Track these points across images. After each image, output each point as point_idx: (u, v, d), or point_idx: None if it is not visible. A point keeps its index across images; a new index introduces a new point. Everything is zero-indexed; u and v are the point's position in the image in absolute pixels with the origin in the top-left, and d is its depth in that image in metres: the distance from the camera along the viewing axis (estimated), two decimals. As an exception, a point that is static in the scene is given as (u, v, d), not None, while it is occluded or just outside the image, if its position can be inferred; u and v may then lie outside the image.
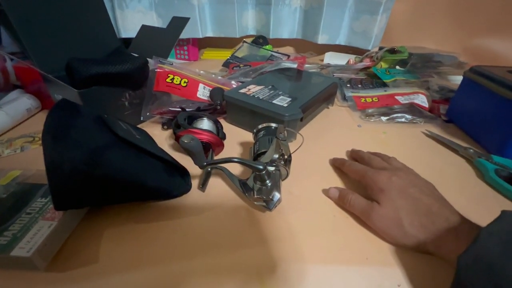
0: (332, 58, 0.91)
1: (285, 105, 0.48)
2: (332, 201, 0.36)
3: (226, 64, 0.82)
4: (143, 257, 0.28)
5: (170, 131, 0.51)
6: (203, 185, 0.37)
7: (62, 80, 0.45)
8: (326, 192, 0.37)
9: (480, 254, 0.21)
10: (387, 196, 0.30)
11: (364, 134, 0.53)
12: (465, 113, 0.53)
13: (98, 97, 0.46)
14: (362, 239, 0.31)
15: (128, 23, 0.85)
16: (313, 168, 0.42)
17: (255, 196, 0.32)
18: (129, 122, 0.43)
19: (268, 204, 0.32)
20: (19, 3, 0.45)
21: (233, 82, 0.62)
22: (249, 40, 0.98)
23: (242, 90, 0.53)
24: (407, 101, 0.59)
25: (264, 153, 0.37)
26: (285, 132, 0.41)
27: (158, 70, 0.52)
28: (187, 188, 0.37)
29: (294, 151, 0.39)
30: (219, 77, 0.62)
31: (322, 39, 0.94)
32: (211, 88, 0.55)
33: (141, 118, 0.52)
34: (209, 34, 0.99)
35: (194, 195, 0.36)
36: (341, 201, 0.34)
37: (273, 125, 0.41)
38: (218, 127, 0.47)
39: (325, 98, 0.59)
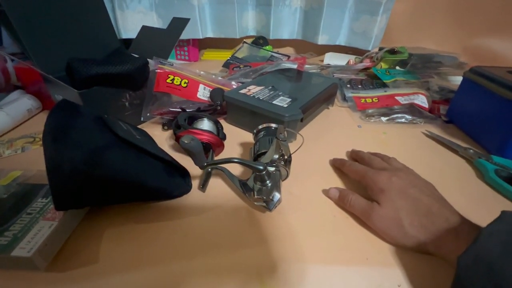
0: (332, 59, 0.91)
1: (285, 105, 0.48)
2: (332, 201, 0.36)
3: (226, 65, 0.82)
4: (143, 257, 0.28)
5: (170, 132, 0.51)
6: (203, 186, 0.37)
7: (63, 80, 0.45)
8: (326, 192, 0.37)
9: (480, 254, 0.21)
10: (387, 196, 0.30)
11: (364, 134, 0.53)
12: (465, 114, 0.53)
13: (99, 98, 0.46)
14: (362, 239, 0.31)
15: (129, 23, 0.85)
16: (313, 168, 0.42)
17: (255, 197, 0.33)
18: (130, 122, 0.43)
19: (268, 205, 0.33)
20: (19, 4, 0.45)
21: (233, 82, 0.62)
22: (249, 40, 0.98)
23: (242, 91, 0.53)
24: (407, 102, 0.59)
25: (264, 153, 0.37)
26: (285, 132, 0.41)
27: (159, 70, 0.52)
28: (187, 188, 0.37)
29: (294, 151, 0.39)
30: (219, 78, 0.62)
31: (322, 40, 0.94)
32: (211, 89, 0.56)
33: (142, 119, 0.52)
34: (209, 34, 0.99)
35: (194, 195, 0.37)
36: (341, 202, 0.35)
37: (273, 125, 0.42)
38: (218, 127, 0.47)
39: (325, 98, 0.59)
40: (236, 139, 0.49)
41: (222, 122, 0.53)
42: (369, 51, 0.86)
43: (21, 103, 0.54)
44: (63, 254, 0.28)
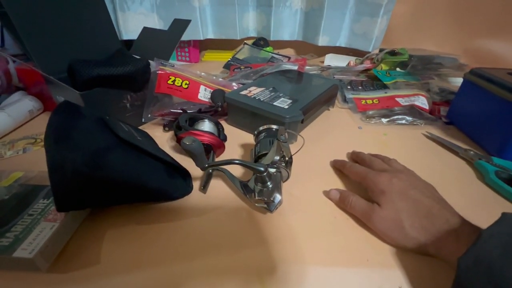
0: (332, 60, 0.91)
1: (286, 107, 0.48)
2: (332, 202, 0.36)
3: (227, 66, 0.82)
4: (145, 258, 0.28)
5: (171, 133, 0.51)
6: (204, 187, 0.37)
7: (64, 82, 0.45)
8: (327, 193, 0.37)
9: (480, 256, 0.21)
10: (388, 198, 0.30)
11: (365, 136, 0.53)
12: (465, 115, 0.53)
13: (100, 99, 0.46)
14: (362, 240, 0.31)
15: (130, 25, 0.86)
16: (314, 169, 0.42)
17: (256, 198, 0.33)
18: (131, 123, 0.43)
19: (269, 206, 0.33)
20: (21, 5, 0.45)
21: (234, 84, 0.63)
22: (250, 42, 0.98)
23: (243, 92, 0.53)
24: (407, 103, 0.59)
25: (265, 155, 0.37)
26: (286, 134, 0.41)
27: (160, 72, 0.52)
28: (188, 189, 0.37)
29: (295, 153, 0.39)
30: (220, 79, 0.63)
31: (322, 41, 0.94)
32: (212, 90, 0.56)
33: (143, 120, 0.52)
34: (210, 36, 0.99)
35: (195, 196, 0.37)
36: (341, 203, 0.35)
37: (274, 127, 0.42)
38: (219, 129, 0.47)
39: (326, 100, 0.59)
40: (237, 140, 0.49)
41: (223, 123, 0.53)
42: (369, 52, 0.86)
43: (23, 104, 0.54)
44: (65, 255, 0.28)
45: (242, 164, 0.33)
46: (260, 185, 0.34)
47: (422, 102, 0.60)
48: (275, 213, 0.34)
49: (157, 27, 0.88)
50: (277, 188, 0.33)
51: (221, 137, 0.46)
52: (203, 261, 0.28)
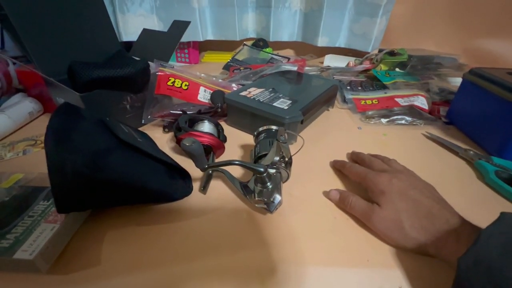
0: (332, 61, 0.91)
1: (286, 107, 0.48)
2: (332, 203, 0.36)
3: (227, 67, 0.83)
4: (145, 259, 0.28)
5: (171, 134, 0.51)
6: (204, 188, 0.37)
7: (64, 83, 0.45)
8: (326, 194, 0.37)
9: (480, 256, 0.21)
10: (388, 198, 0.30)
11: (364, 136, 0.53)
12: (465, 115, 0.53)
13: (100, 101, 0.46)
14: (362, 241, 0.31)
15: (130, 27, 0.86)
16: (313, 170, 0.42)
17: (256, 199, 0.33)
18: (131, 125, 0.43)
19: (269, 206, 0.33)
20: (21, 7, 0.45)
21: (233, 85, 0.63)
22: (250, 43, 0.98)
23: (243, 93, 0.53)
24: (407, 103, 0.59)
25: (264, 155, 0.37)
26: (286, 134, 0.41)
27: (159, 73, 0.52)
28: (188, 190, 0.37)
29: (295, 153, 0.39)
30: (220, 80, 0.63)
31: (322, 42, 0.94)
32: (211, 91, 0.56)
33: (143, 121, 0.52)
34: (210, 37, 0.99)
35: (195, 197, 0.37)
36: (341, 203, 0.35)
37: (274, 127, 0.42)
38: (219, 129, 0.48)
39: (325, 100, 0.59)
40: (237, 141, 0.49)
41: (223, 124, 0.53)
42: (368, 53, 0.87)
43: (23, 106, 0.54)
44: (65, 256, 0.28)
45: (241, 165, 0.33)
46: (260, 185, 0.34)
47: (421, 102, 0.60)
48: (275, 214, 0.34)
49: (157, 28, 0.89)
50: (277, 189, 0.33)
51: (221, 138, 0.46)
52: (203, 262, 0.28)
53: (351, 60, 0.85)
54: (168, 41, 0.60)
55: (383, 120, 0.57)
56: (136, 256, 0.29)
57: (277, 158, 0.35)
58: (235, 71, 0.74)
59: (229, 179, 0.38)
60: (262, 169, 0.32)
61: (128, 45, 0.67)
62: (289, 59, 0.83)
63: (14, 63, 0.59)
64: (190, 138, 0.33)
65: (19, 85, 0.60)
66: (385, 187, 0.31)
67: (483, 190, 0.39)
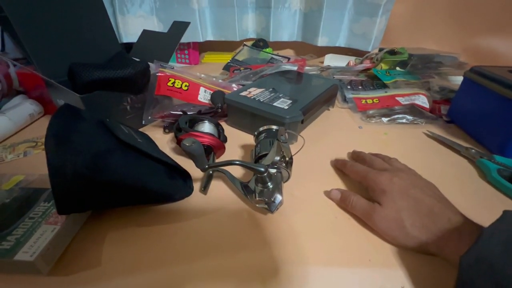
0: (332, 60, 0.91)
1: (286, 107, 0.48)
2: (333, 202, 0.36)
3: (227, 68, 0.83)
4: (145, 260, 0.28)
5: (171, 135, 0.51)
6: (204, 188, 0.37)
7: (65, 85, 0.45)
8: (327, 193, 0.37)
9: (482, 254, 0.21)
10: (389, 197, 0.30)
11: (365, 135, 0.53)
12: (466, 114, 0.53)
13: (100, 102, 0.46)
14: (364, 240, 0.31)
15: (130, 28, 0.86)
16: (314, 170, 0.42)
17: (257, 199, 0.33)
18: (131, 126, 0.43)
19: (270, 206, 0.33)
20: (21, 9, 0.45)
21: (233, 85, 0.63)
22: (250, 43, 0.98)
23: (243, 93, 0.53)
24: (408, 102, 0.59)
25: (265, 155, 0.37)
26: (286, 134, 0.41)
27: (159, 74, 0.52)
28: (189, 191, 0.37)
29: (295, 153, 0.39)
30: (220, 81, 0.63)
31: (322, 42, 0.94)
32: (212, 92, 0.56)
33: (143, 122, 0.52)
34: (210, 38, 0.99)
35: (196, 198, 0.37)
36: (342, 203, 0.34)
37: (274, 127, 0.42)
38: (219, 130, 0.47)
39: (326, 100, 0.59)
40: (237, 141, 0.49)
41: (223, 124, 0.53)
42: (369, 52, 0.86)
43: (23, 108, 0.55)
44: (66, 258, 0.28)
45: (242, 164, 0.33)
46: (261, 185, 0.34)
47: (422, 101, 0.60)
48: (276, 214, 0.33)
49: (157, 29, 0.89)
50: (278, 189, 0.33)
51: (221, 138, 0.46)
52: (204, 262, 0.28)
53: (351, 60, 0.85)
54: (168, 42, 0.61)
55: (384, 119, 0.57)
56: (136, 257, 0.28)
57: (277, 158, 0.35)
58: (235, 71, 0.74)
59: (229, 179, 0.38)
60: (262, 169, 0.32)
61: (129, 46, 0.67)
62: (289, 59, 0.83)
63: (14, 65, 0.59)
64: (190, 138, 0.32)
65: (19, 87, 0.60)
66: (386, 186, 0.31)
67: (485, 189, 0.39)
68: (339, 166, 0.42)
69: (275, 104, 0.49)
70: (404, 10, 0.89)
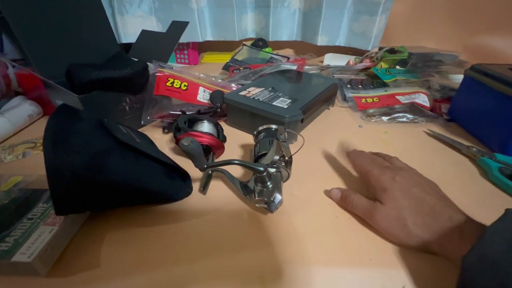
0: (332, 59, 0.91)
1: (285, 106, 0.48)
2: (334, 202, 0.35)
3: (226, 67, 0.82)
4: (145, 261, 0.28)
5: (171, 135, 0.51)
6: (204, 188, 0.37)
7: (63, 86, 0.45)
8: (328, 193, 0.37)
9: (484, 253, 0.21)
10: (390, 195, 0.30)
11: (365, 134, 0.52)
12: (467, 112, 0.53)
13: (99, 102, 0.46)
14: (365, 240, 0.30)
15: (129, 28, 0.86)
16: (314, 169, 0.42)
17: (256, 198, 0.32)
18: (130, 126, 0.43)
19: (270, 206, 0.32)
20: (19, 10, 0.45)
21: (233, 85, 0.62)
22: (249, 43, 0.98)
23: (242, 93, 0.53)
24: (408, 101, 0.59)
25: (264, 154, 0.37)
26: (286, 133, 0.40)
27: (158, 74, 0.52)
28: (188, 191, 0.37)
29: (295, 152, 0.39)
30: (219, 80, 0.62)
31: (321, 41, 0.94)
32: (211, 91, 0.56)
33: (142, 122, 0.52)
34: (209, 37, 0.99)
35: (195, 198, 0.36)
36: (343, 202, 0.34)
37: (274, 126, 0.41)
38: (219, 129, 0.47)
39: (326, 99, 0.59)
40: (237, 141, 0.49)
41: (222, 124, 0.53)
42: (368, 51, 0.86)
43: (22, 109, 0.54)
44: (64, 259, 0.28)
45: (241, 164, 0.33)
46: (260, 185, 0.33)
47: (422, 99, 0.59)
48: (276, 214, 0.33)
49: (156, 29, 0.88)
50: (277, 188, 0.33)
51: (221, 138, 0.45)
52: (203, 263, 0.28)
53: (351, 59, 0.85)
54: (167, 42, 0.60)
55: (384, 118, 0.57)
56: (136, 258, 0.28)
57: (277, 157, 0.35)
58: (234, 71, 0.74)
59: (229, 179, 0.37)
60: (262, 168, 0.32)
61: (128, 46, 0.67)
62: (288, 58, 0.83)
63: (13, 66, 0.59)
64: (188, 138, 0.32)
65: (18, 88, 0.60)
66: (387, 184, 0.31)
67: (487, 187, 0.39)
68: (344, 151, 0.41)
69: (274, 103, 0.49)
70: (404, 9, 0.89)
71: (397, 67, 0.78)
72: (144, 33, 0.65)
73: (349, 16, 0.90)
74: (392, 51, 0.75)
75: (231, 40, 0.98)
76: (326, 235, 0.31)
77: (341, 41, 0.95)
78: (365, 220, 0.32)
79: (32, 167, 0.42)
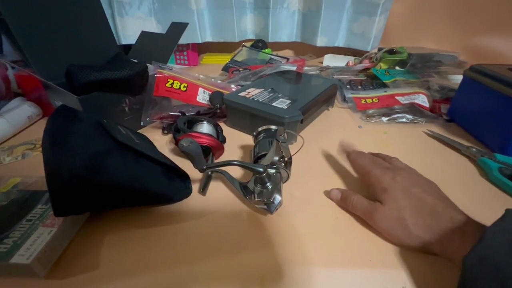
0: (331, 60, 0.91)
1: (285, 107, 0.48)
2: (334, 202, 0.35)
3: (226, 68, 0.82)
4: (144, 263, 0.28)
5: (170, 136, 0.51)
6: (203, 189, 0.37)
7: (63, 87, 0.45)
8: (327, 193, 0.36)
9: (485, 253, 0.21)
10: (391, 196, 0.30)
11: (365, 135, 0.52)
12: (466, 112, 0.53)
13: (98, 103, 0.46)
14: (365, 240, 0.30)
15: (128, 29, 0.86)
16: (314, 170, 0.42)
17: (256, 199, 0.32)
18: (129, 127, 0.43)
19: (269, 207, 0.32)
20: (19, 12, 0.45)
21: (232, 86, 0.62)
22: (248, 44, 0.98)
23: (242, 93, 0.53)
24: (407, 101, 0.59)
25: (264, 155, 0.37)
26: (285, 134, 0.40)
27: (158, 75, 0.52)
28: (187, 192, 0.36)
29: (295, 153, 0.39)
30: (219, 81, 0.62)
31: (321, 42, 0.94)
32: (210, 92, 0.56)
33: (141, 123, 0.52)
34: (208, 39, 0.99)
35: (194, 199, 0.36)
36: (343, 202, 0.34)
37: (273, 127, 0.41)
38: (218, 130, 0.47)
39: (325, 99, 0.59)
40: (236, 142, 0.49)
41: (222, 125, 0.53)
42: (368, 52, 0.86)
43: (22, 110, 0.54)
44: (63, 260, 0.28)
45: (240, 165, 0.33)
46: (260, 186, 0.33)
47: (422, 100, 0.59)
48: (276, 214, 0.33)
49: (156, 31, 0.89)
50: (277, 189, 0.33)
51: (220, 139, 0.45)
52: (203, 264, 0.28)
53: (351, 60, 0.85)
54: (166, 43, 0.60)
55: (384, 119, 0.57)
56: (135, 259, 0.28)
57: (276, 158, 0.35)
58: (234, 72, 0.74)
59: (228, 180, 0.37)
60: (261, 169, 0.32)
61: (127, 48, 0.67)
62: (288, 59, 0.83)
63: (13, 67, 0.59)
64: (187, 138, 0.32)
65: (18, 89, 0.60)
66: (387, 185, 0.31)
67: (487, 188, 0.39)
68: (343, 149, 0.40)
69: (274, 104, 0.49)
70: (403, 9, 0.89)
71: (397, 67, 0.78)
72: (144, 35, 0.65)
73: (348, 17, 0.90)
74: (391, 51, 0.75)
75: (230, 41, 0.99)
76: (326, 235, 0.31)
77: (340, 42, 0.95)
78: (365, 221, 0.32)
79: (32, 168, 0.42)
